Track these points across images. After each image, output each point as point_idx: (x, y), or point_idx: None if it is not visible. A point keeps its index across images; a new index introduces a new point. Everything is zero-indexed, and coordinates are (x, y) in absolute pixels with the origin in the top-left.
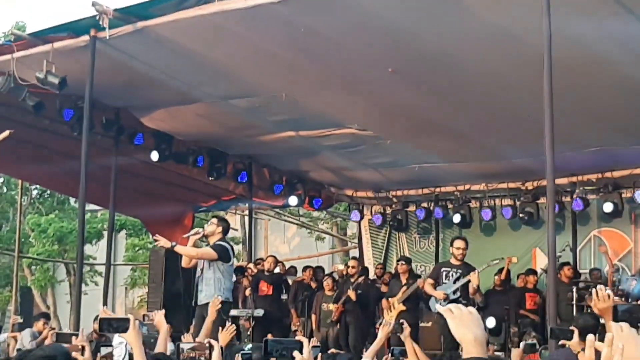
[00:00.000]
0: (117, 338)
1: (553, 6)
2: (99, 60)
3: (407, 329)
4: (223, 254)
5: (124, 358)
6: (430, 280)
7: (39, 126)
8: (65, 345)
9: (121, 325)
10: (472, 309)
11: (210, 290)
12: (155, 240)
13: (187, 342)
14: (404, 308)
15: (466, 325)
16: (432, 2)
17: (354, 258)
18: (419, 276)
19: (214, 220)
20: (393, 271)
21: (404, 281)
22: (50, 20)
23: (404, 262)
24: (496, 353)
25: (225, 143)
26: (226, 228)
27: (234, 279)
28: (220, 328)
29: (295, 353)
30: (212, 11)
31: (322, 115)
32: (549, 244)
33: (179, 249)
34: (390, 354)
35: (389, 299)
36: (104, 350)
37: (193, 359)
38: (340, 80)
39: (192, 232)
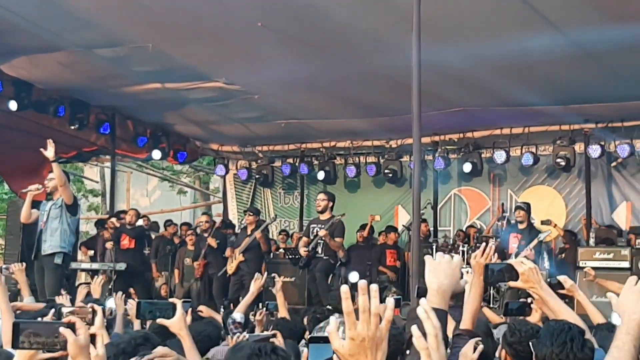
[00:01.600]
0: None
1: None
2: None
3: (278, 283)
4: (75, 203)
5: None
6: (304, 238)
7: None
8: None
9: None
10: (456, 258)
11: (56, 241)
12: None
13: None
14: (242, 258)
15: (436, 273)
16: None
17: (204, 213)
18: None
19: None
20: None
21: (249, 232)
22: None
23: (251, 213)
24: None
25: (88, 93)
26: (67, 181)
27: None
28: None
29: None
30: None
31: (190, 67)
32: (413, 202)
33: (55, 166)
34: (265, 309)
35: (233, 248)
36: None
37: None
38: (209, 33)
39: (33, 187)
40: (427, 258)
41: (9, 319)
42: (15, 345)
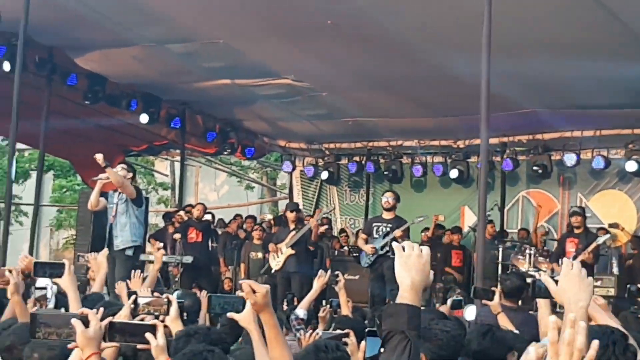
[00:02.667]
0: (41, 281)
1: None
2: None
3: (341, 281)
4: (139, 196)
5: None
6: (363, 235)
7: None
8: None
9: (56, 271)
10: (425, 251)
11: (127, 236)
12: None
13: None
14: (292, 252)
15: (408, 268)
16: None
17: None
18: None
19: (124, 165)
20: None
21: (291, 227)
22: None
23: (293, 211)
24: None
25: (159, 88)
26: (134, 174)
27: (145, 221)
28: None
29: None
30: None
31: (259, 64)
32: (479, 204)
33: (109, 171)
34: (329, 306)
35: (277, 244)
36: (38, 293)
37: (150, 313)
38: (280, 30)
39: (103, 175)
40: (396, 251)
41: (76, 308)
42: (32, 335)
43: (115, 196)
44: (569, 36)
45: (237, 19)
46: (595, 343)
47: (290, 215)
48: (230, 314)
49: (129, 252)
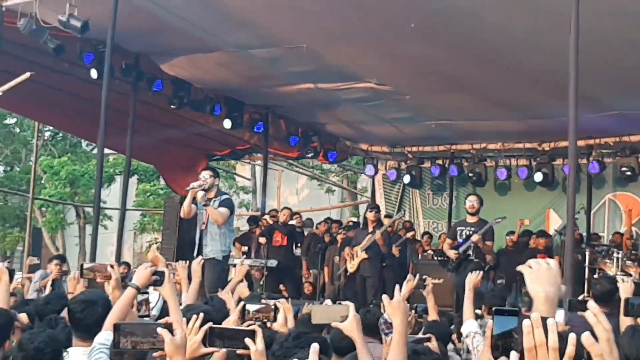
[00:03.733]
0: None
1: None
2: (121, 5)
3: (429, 285)
4: (233, 209)
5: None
6: (448, 240)
7: (58, 69)
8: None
9: (157, 281)
10: (553, 263)
11: (217, 245)
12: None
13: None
14: (365, 256)
15: (540, 282)
16: None
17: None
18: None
19: (210, 172)
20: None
21: (370, 229)
22: None
23: (372, 210)
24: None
25: (242, 93)
26: (218, 176)
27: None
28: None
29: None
30: None
31: (342, 68)
32: (568, 207)
33: (210, 209)
34: (413, 311)
35: (354, 247)
36: (140, 297)
37: (259, 320)
38: (362, 34)
39: (196, 184)
40: (523, 268)
41: (177, 316)
42: (116, 345)
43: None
44: None
45: (320, 23)
46: (572, 337)
47: (370, 215)
48: (334, 324)
49: (219, 257)
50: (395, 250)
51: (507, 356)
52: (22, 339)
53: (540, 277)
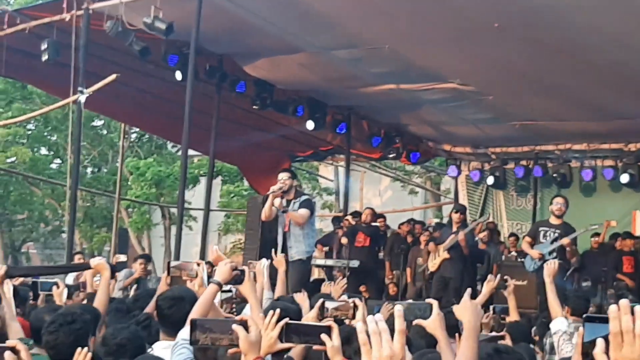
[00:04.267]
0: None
1: None
2: (205, 7)
3: (510, 286)
4: (313, 209)
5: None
6: (527, 239)
7: (143, 71)
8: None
9: (238, 278)
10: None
11: (301, 247)
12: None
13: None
14: (447, 256)
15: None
16: None
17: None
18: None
19: (288, 174)
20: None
21: (455, 228)
22: None
23: (457, 211)
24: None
25: (325, 93)
26: (296, 177)
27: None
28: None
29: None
30: None
31: (424, 68)
32: None
33: (291, 214)
34: (492, 312)
35: (437, 245)
36: (224, 295)
37: (336, 317)
38: (444, 34)
39: (276, 187)
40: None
41: (257, 314)
42: (194, 342)
43: (289, 207)
44: None
45: (403, 24)
46: None
47: (455, 216)
48: (417, 321)
49: (304, 258)
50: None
51: None
52: (105, 335)
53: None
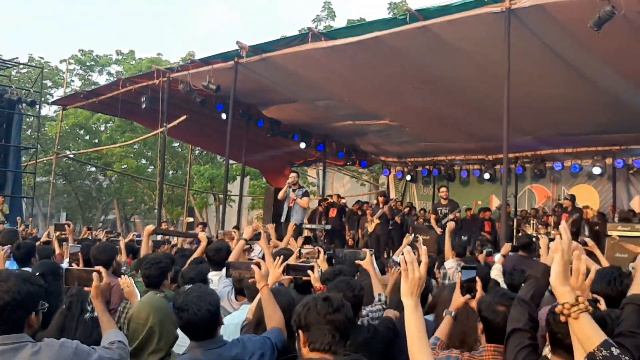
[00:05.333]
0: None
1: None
2: (239, 75)
3: (419, 241)
4: (308, 196)
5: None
6: (433, 215)
7: (202, 113)
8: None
9: (256, 237)
10: (575, 247)
11: (298, 216)
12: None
13: (306, 248)
14: (378, 222)
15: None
16: (435, 44)
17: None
18: (388, 202)
19: (295, 174)
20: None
21: (381, 206)
22: (210, 50)
23: (381, 195)
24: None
25: (311, 127)
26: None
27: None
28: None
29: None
30: (306, 48)
31: (369, 111)
32: (503, 194)
33: (299, 201)
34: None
35: (373, 216)
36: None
37: (308, 258)
38: (382, 91)
39: (290, 181)
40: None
41: (270, 260)
42: (227, 275)
43: (290, 191)
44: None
45: (356, 85)
46: (593, 269)
47: (380, 199)
48: (357, 261)
49: (298, 223)
50: (397, 219)
51: (472, 295)
52: (181, 272)
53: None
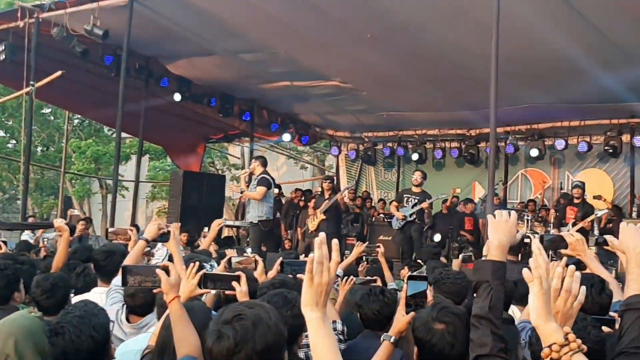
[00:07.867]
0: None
1: None
2: (135, 17)
3: (380, 248)
4: (268, 186)
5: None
6: (395, 203)
7: (84, 68)
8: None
9: (164, 237)
10: (513, 215)
11: (255, 212)
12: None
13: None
14: (324, 217)
15: (496, 231)
16: None
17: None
18: (337, 191)
19: (259, 161)
20: (362, 195)
21: (326, 196)
22: None
23: (327, 181)
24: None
25: (233, 88)
26: (264, 163)
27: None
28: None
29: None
30: None
31: (312, 69)
32: (489, 180)
33: (246, 194)
34: (366, 262)
35: (315, 209)
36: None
37: (240, 269)
38: (328, 41)
39: (243, 172)
40: (489, 217)
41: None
42: (124, 283)
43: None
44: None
45: (295, 33)
46: (583, 289)
47: (325, 185)
48: (299, 275)
49: (255, 221)
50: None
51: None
52: (37, 279)
53: (497, 227)
